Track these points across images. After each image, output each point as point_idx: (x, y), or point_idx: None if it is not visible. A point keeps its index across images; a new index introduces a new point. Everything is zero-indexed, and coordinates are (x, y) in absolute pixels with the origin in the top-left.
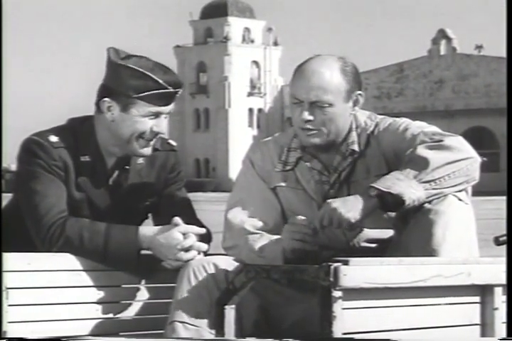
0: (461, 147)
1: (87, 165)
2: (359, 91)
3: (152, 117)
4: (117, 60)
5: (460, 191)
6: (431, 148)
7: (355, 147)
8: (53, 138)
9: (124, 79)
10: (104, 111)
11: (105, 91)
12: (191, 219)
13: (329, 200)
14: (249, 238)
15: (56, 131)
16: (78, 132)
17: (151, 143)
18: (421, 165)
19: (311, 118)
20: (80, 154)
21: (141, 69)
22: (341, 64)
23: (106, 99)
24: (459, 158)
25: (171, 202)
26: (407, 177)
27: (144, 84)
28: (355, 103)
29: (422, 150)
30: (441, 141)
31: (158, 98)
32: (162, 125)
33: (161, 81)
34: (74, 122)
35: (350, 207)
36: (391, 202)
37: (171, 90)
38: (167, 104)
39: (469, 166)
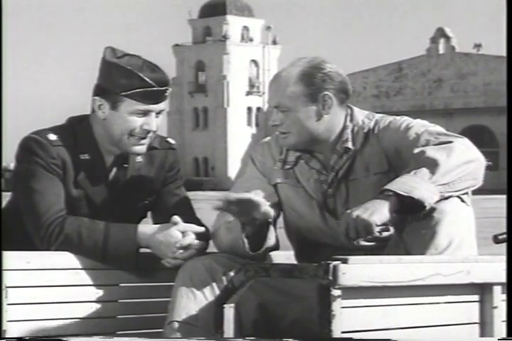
0: (469, 149)
1: (86, 163)
2: (325, 93)
3: (140, 115)
4: (110, 58)
5: (464, 194)
6: (441, 149)
7: (349, 145)
8: (52, 137)
9: (113, 78)
10: (95, 110)
11: (98, 90)
12: (190, 217)
13: (347, 211)
14: (232, 223)
15: (55, 129)
16: (77, 130)
17: (144, 141)
18: (434, 166)
19: (276, 123)
20: (79, 152)
21: (128, 67)
22: (306, 67)
23: (96, 97)
24: (469, 161)
25: (170, 201)
26: (423, 179)
27: (130, 81)
28: (324, 105)
29: (433, 152)
30: (451, 142)
31: (145, 96)
32: (152, 123)
33: (147, 79)
34: (73, 121)
35: (372, 211)
36: (409, 206)
37: (158, 88)
38: (156, 103)
39: (476, 169)
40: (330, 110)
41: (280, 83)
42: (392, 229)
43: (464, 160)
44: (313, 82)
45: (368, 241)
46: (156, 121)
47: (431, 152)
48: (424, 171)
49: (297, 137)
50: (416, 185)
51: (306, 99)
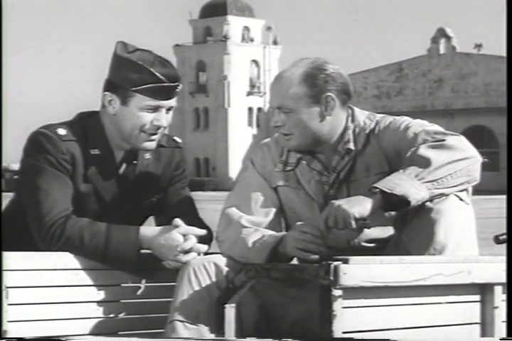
0: (462, 146)
1: (96, 158)
2: (328, 94)
3: (151, 111)
4: (121, 53)
5: (461, 191)
6: (433, 147)
7: (351, 145)
8: (61, 131)
9: (124, 72)
10: (106, 105)
11: (108, 85)
12: (194, 218)
13: (332, 201)
14: (243, 231)
15: (65, 124)
16: (87, 126)
17: (155, 137)
18: (423, 164)
19: (278, 124)
20: (89, 147)
21: (139, 62)
22: (309, 67)
23: (107, 92)
24: (461, 158)
25: (175, 201)
26: (409, 177)
27: (141, 77)
28: (327, 106)
29: (423, 150)
30: (443, 140)
31: (156, 91)
32: (162, 119)
33: (157, 74)
34: (82, 116)
35: (354, 203)
36: (395, 202)
37: (168, 84)
38: (167, 99)
39: (470, 166)
40: (332, 111)
41: (282, 84)
42: (391, 230)
43: (456, 157)
44: (316, 83)
45: (368, 243)
46: (167, 117)
47: (422, 150)
48: (412, 168)
49: (300, 139)
50: (400, 182)
51: (309, 101)
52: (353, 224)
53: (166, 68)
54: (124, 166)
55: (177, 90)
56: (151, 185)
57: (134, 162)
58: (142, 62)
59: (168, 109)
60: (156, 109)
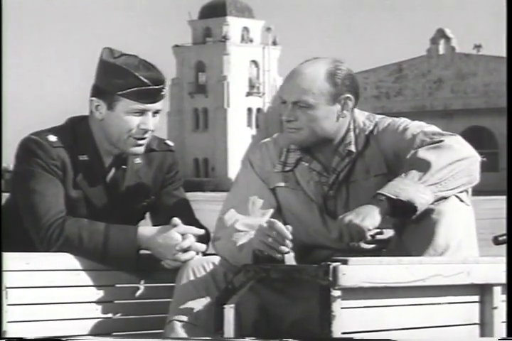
0: (461, 147)
1: (85, 164)
2: (347, 95)
3: (137, 115)
4: (107, 58)
5: (462, 192)
6: (432, 149)
7: (352, 147)
8: (52, 138)
9: (109, 77)
10: (93, 111)
11: (95, 91)
12: (190, 219)
13: (340, 216)
14: (234, 235)
15: (55, 130)
16: (76, 131)
17: (143, 141)
18: (424, 167)
19: (291, 118)
20: (78, 153)
21: (124, 67)
22: (331, 67)
23: (93, 98)
24: (461, 158)
25: (169, 202)
26: (413, 180)
27: (126, 81)
28: (344, 106)
29: (423, 153)
30: (442, 141)
31: (141, 95)
32: (149, 122)
33: (142, 78)
34: (72, 121)
35: (363, 216)
36: (401, 208)
37: (152, 87)
38: (152, 102)
39: (470, 166)
40: (347, 113)
41: (304, 79)
42: (391, 232)
43: (455, 158)
44: (338, 82)
45: (369, 244)
46: (153, 120)
47: (422, 153)
48: (414, 172)
49: (308, 134)
50: (405, 187)
51: (330, 99)
52: (369, 235)
53: (150, 71)
54: (112, 171)
55: (162, 93)
56: (141, 190)
57: (124, 167)
58: (126, 67)
59: (155, 113)
60: (142, 112)
